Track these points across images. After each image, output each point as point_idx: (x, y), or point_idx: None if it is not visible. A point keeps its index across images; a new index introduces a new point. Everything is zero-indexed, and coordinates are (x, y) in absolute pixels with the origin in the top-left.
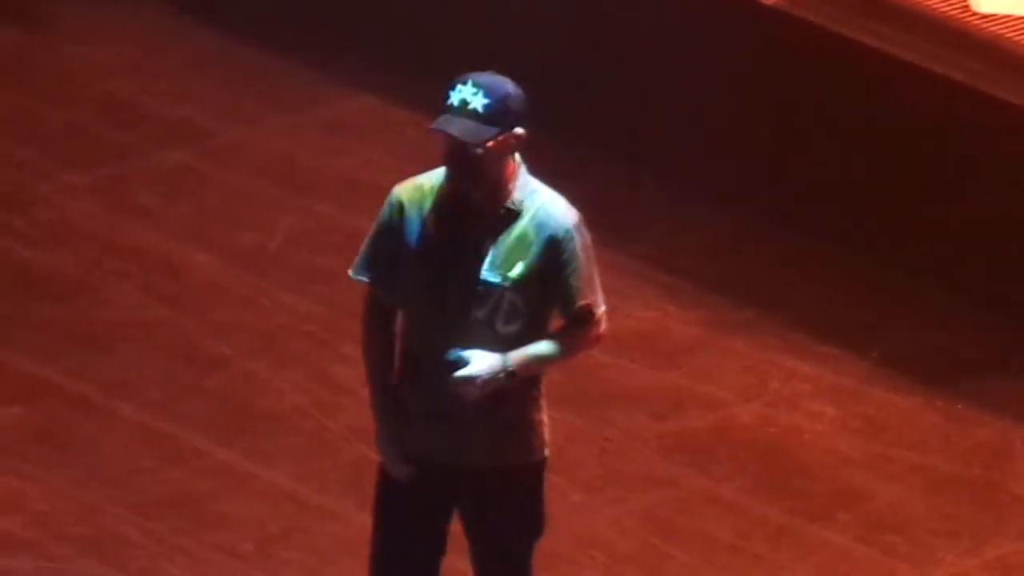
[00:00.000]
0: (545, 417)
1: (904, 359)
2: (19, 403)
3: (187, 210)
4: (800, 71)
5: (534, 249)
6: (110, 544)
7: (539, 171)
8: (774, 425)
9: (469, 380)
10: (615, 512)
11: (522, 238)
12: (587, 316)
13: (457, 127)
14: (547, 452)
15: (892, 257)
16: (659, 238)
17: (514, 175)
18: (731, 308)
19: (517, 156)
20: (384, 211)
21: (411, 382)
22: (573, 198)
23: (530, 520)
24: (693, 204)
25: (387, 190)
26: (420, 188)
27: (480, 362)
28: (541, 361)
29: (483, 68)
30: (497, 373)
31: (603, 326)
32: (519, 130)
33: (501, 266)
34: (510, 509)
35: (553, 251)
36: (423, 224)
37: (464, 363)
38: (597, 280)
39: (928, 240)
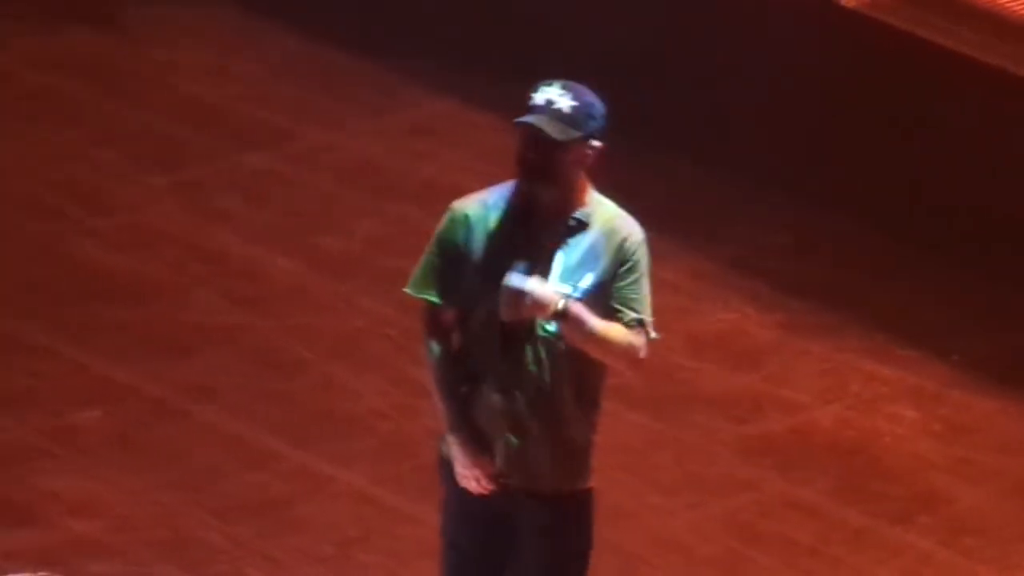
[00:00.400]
0: (593, 442)
1: (985, 362)
2: (100, 406)
3: (268, 214)
4: (880, 73)
5: (604, 259)
6: (190, 548)
7: (618, 174)
8: (854, 428)
9: (519, 292)
10: (694, 516)
11: (592, 248)
12: (638, 330)
13: (542, 122)
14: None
15: (973, 260)
16: (739, 241)
17: (584, 188)
18: (811, 311)
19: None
20: (445, 226)
21: (472, 401)
22: (652, 200)
23: (579, 548)
24: (774, 207)
25: (467, 193)
26: (483, 203)
27: (539, 284)
28: (592, 332)
29: (561, 70)
30: (549, 302)
31: (645, 351)
32: (596, 143)
33: (572, 277)
34: (563, 535)
35: (622, 260)
36: (489, 238)
37: (524, 280)
38: (650, 303)
39: (1009, 243)
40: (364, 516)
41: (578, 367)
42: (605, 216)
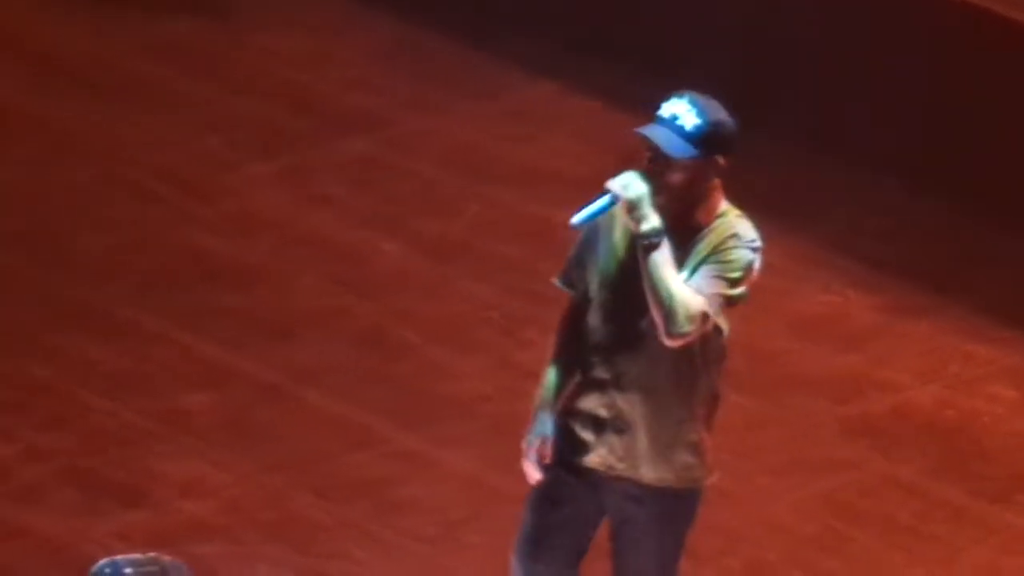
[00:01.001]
0: (708, 442)
1: None
2: (207, 390)
3: (370, 198)
4: (986, 60)
5: (704, 252)
6: (297, 528)
7: None
8: (954, 408)
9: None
10: (796, 495)
11: (699, 253)
12: (703, 302)
13: (659, 135)
14: (706, 480)
15: None
16: (841, 222)
17: (710, 198)
18: (911, 292)
19: (715, 183)
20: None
21: (582, 390)
22: (755, 181)
23: (670, 550)
24: (876, 188)
25: (569, 178)
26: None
27: (630, 182)
28: (661, 274)
29: (666, 52)
30: (632, 201)
31: (694, 327)
32: (721, 159)
33: None
34: (655, 532)
35: (719, 244)
36: (612, 235)
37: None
38: (723, 302)
39: None
40: (469, 497)
41: (690, 365)
42: (719, 231)
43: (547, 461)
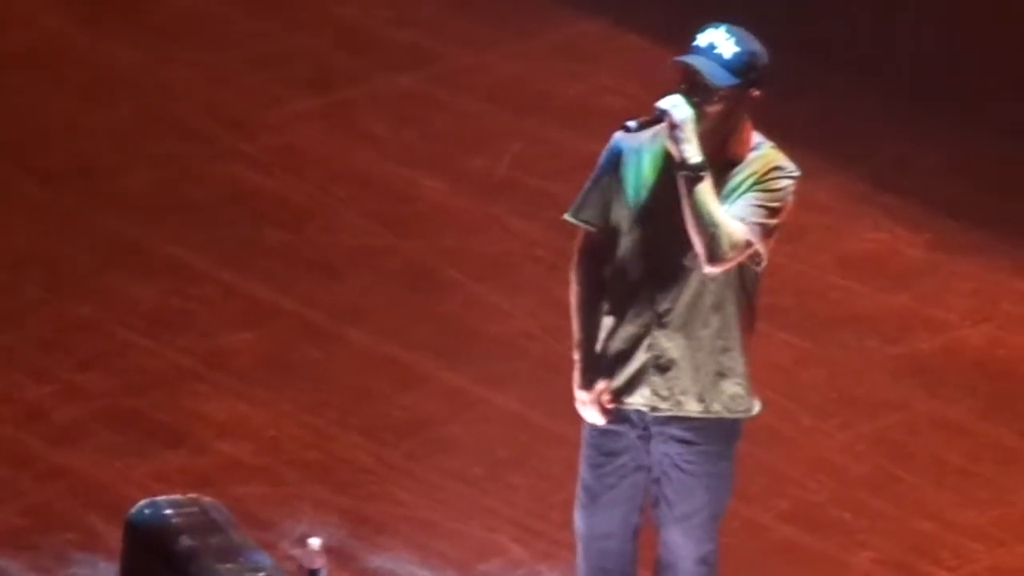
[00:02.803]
0: (747, 370)
1: None
2: (250, 329)
3: (416, 135)
4: None
5: (747, 183)
6: (340, 469)
7: (768, 91)
8: (1005, 347)
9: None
10: (845, 435)
11: (739, 184)
12: (745, 231)
13: (702, 64)
14: (750, 412)
15: None
16: (889, 159)
17: (745, 132)
18: (961, 230)
19: (747, 116)
20: (604, 157)
21: (621, 332)
22: (804, 116)
23: (716, 482)
24: (925, 124)
25: (616, 114)
26: (639, 140)
27: (679, 103)
28: (705, 203)
29: None
30: (677, 123)
31: (736, 254)
32: (756, 92)
33: None
34: (707, 471)
35: (764, 175)
36: (641, 174)
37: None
38: (772, 232)
39: None
40: (515, 438)
41: (731, 295)
42: (759, 155)
43: (610, 404)
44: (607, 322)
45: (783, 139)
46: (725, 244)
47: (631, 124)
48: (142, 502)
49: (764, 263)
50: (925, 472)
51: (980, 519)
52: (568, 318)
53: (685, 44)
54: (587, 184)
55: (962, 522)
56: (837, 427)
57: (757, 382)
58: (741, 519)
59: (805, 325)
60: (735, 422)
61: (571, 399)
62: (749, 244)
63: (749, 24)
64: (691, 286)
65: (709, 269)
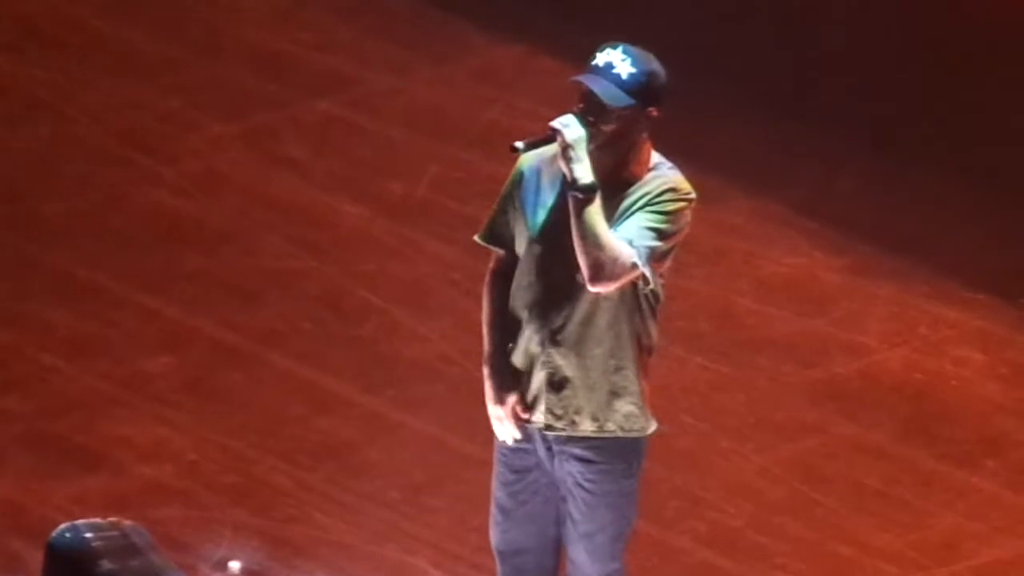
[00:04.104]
0: (647, 390)
1: None
2: (169, 352)
3: (334, 160)
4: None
5: (639, 203)
6: (259, 493)
7: (687, 116)
8: (921, 371)
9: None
10: (763, 459)
11: (632, 204)
12: (632, 254)
13: (597, 84)
14: (646, 432)
15: None
16: (807, 184)
17: (643, 151)
18: (878, 254)
19: (645, 136)
20: (509, 179)
21: (518, 350)
22: (721, 142)
23: (619, 500)
24: (842, 150)
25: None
26: (541, 155)
27: (571, 123)
28: (593, 224)
29: (630, 19)
30: (569, 142)
31: (622, 277)
32: (653, 111)
33: None
34: (598, 484)
35: (656, 196)
36: (539, 193)
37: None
38: (662, 256)
39: None
40: (432, 461)
41: (624, 315)
42: (656, 183)
43: (524, 415)
44: (513, 339)
45: (702, 165)
46: (608, 266)
47: (518, 144)
48: (62, 525)
49: (652, 285)
50: (843, 496)
51: (898, 543)
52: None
53: None
54: (494, 206)
55: (880, 546)
56: (755, 451)
57: (675, 407)
58: (658, 542)
59: (723, 349)
60: (633, 441)
61: (489, 422)
62: (635, 267)
63: (664, 52)
64: (584, 305)
65: (592, 289)
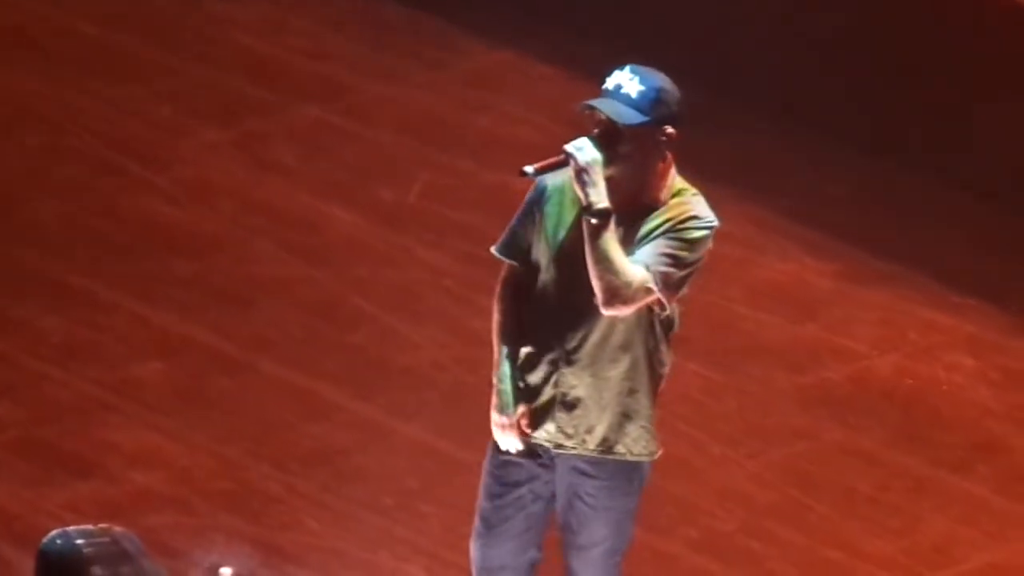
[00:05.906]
0: (653, 413)
1: None
2: (160, 359)
3: (326, 166)
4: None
5: (660, 229)
6: (251, 499)
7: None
8: (912, 377)
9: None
10: (754, 465)
11: (653, 230)
12: (646, 279)
13: (606, 106)
14: (653, 456)
15: None
16: (798, 190)
17: (663, 175)
18: (869, 260)
19: (668, 156)
20: (529, 194)
21: (531, 366)
22: (712, 148)
23: (618, 517)
24: (833, 156)
25: (524, 145)
26: (566, 177)
27: (585, 146)
28: (607, 248)
29: (625, 20)
30: (583, 165)
31: (631, 304)
32: (670, 128)
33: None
34: (607, 504)
35: (679, 223)
36: (561, 209)
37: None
38: (679, 283)
39: None
40: (424, 467)
41: (639, 339)
42: (679, 202)
43: (528, 431)
44: (523, 353)
45: (695, 171)
46: (621, 290)
47: (528, 169)
48: (53, 532)
49: (668, 312)
50: (834, 501)
51: (889, 548)
52: (477, 347)
53: (594, 74)
54: (513, 219)
55: (871, 551)
56: (746, 456)
57: (667, 413)
58: (650, 548)
59: (714, 356)
60: (638, 463)
61: (481, 429)
62: (649, 291)
63: (659, 61)
64: (600, 326)
65: (606, 312)
